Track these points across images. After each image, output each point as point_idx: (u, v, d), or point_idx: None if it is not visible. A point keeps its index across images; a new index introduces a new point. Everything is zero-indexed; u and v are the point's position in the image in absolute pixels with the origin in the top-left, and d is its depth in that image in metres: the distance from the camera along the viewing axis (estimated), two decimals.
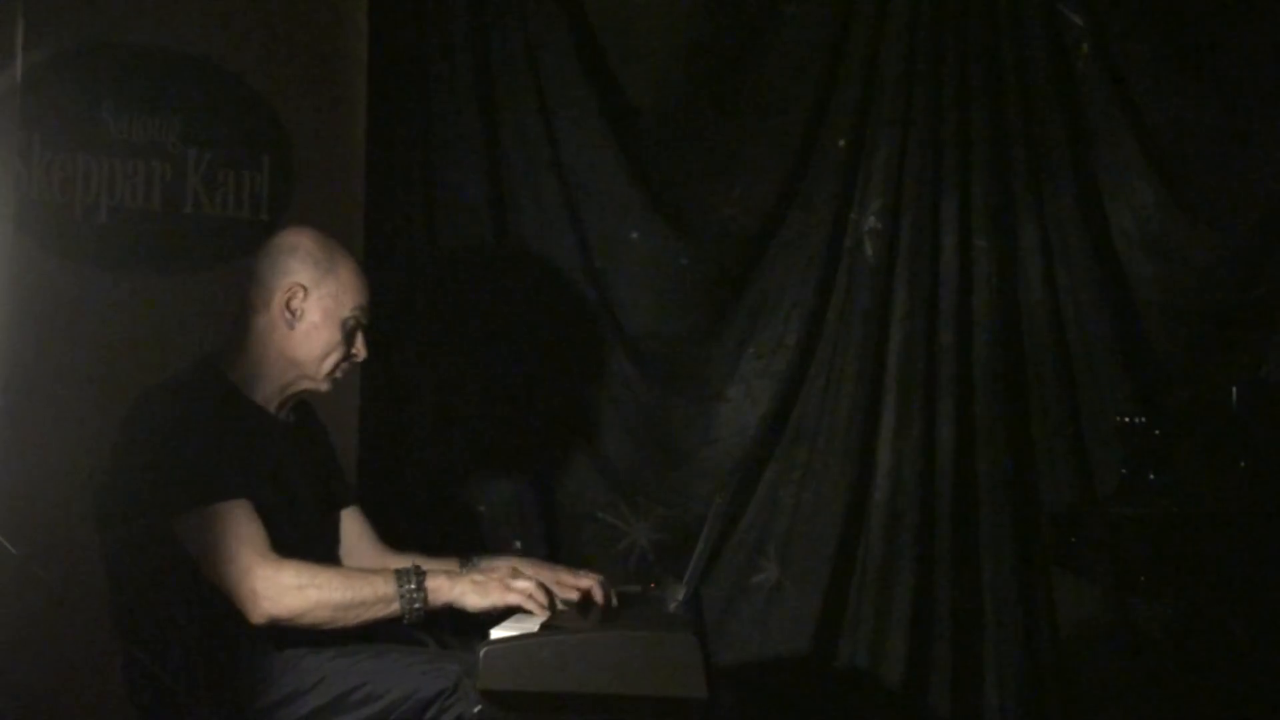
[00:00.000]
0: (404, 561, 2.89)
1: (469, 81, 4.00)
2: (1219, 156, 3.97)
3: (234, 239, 3.68)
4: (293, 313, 2.80)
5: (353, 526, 3.05)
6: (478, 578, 2.72)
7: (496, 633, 2.58)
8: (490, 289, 4.01)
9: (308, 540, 2.83)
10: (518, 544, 3.94)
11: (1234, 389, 3.42)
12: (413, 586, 2.64)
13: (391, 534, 3.13)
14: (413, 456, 3.96)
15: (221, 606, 2.64)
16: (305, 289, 2.80)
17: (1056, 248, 4.02)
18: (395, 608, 2.64)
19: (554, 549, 3.94)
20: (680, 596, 2.78)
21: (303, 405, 2.96)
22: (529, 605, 2.69)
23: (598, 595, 2.88)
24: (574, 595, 2.86)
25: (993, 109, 4.02)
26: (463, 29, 4.00)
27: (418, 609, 2.65)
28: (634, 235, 4.04)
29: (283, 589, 2.59)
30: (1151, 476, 3.51)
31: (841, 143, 4.04)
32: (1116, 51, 4.00)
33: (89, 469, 2.85)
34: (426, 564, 2.83)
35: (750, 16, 4.08)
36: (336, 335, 2.82)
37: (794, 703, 3.98)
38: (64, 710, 3.27)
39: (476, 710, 2.49)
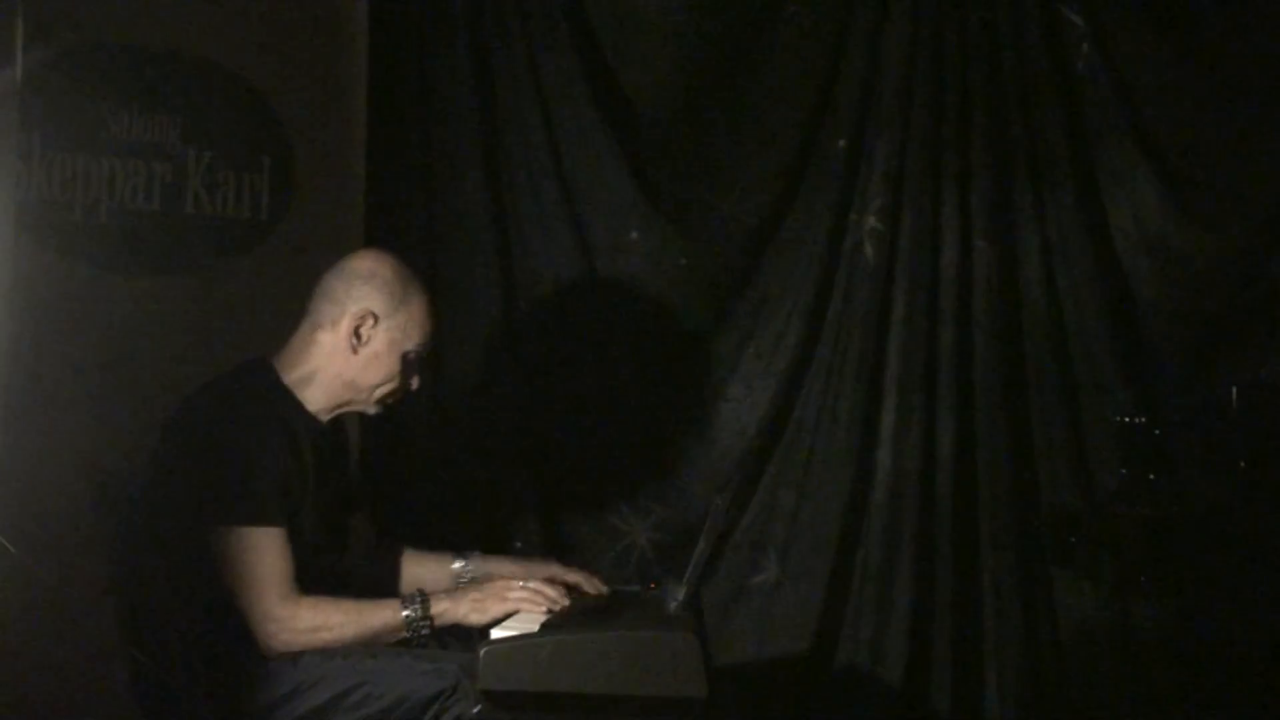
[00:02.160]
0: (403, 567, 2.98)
1: (469, 81, 4.00)
2: (1219, 156, 3.97)
3: (234, 239, 3.68)
4: (359, 338, 2.81)
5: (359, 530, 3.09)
6: (476, 595, 2.77)
7: (496, 633, 2.59)
8: (490, 289, 4.01)
9: (333, 542, 2.89)
10: (518, 544, 3.94)
11: (1234, 389, 3.42)
12: (418, 615, 2.71)
13: (392, 534, 3.14)
14: (413, 456, 3.96)
15: (224, 608, 2.65)
16: (376, 318, 2.81)
17: (1056, 248, 4.02)
18: (404, 633, 2.72)
19: (554, 549, 3.93)
20: (680, 596, 2.78)
21: (336, 419, 2.97)
22: (528, 605, 2.72)
23: (588, 585, 2.95)
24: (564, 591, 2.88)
25: (993, 109, 4.02)
26: (463, 29, 4.00)
27: (423, 632, 2.72)
28: (634, 235, 4.04)
29: (297, 634, 2.65)
30: (1151, 476, 3.51)
31: (841, 143, 4.04)
32: (1116, 51, 4.00)
33: (90, 470, 2.84)
34: (421, 563, 2.99)
35: (750, 16, 4.08)
36: (396, 367, 2.84)
37: (794, 703, 3.98)
38: (64, 710, 3.27)
39: (476, 710, 2.50)
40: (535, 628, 2.60)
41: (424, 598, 2.72)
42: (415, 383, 2.89)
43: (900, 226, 4.01)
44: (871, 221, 4.02)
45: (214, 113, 3.65)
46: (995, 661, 3.95)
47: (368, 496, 3.14)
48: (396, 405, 2.94)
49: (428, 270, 3.96)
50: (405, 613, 2.70)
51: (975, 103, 4.01)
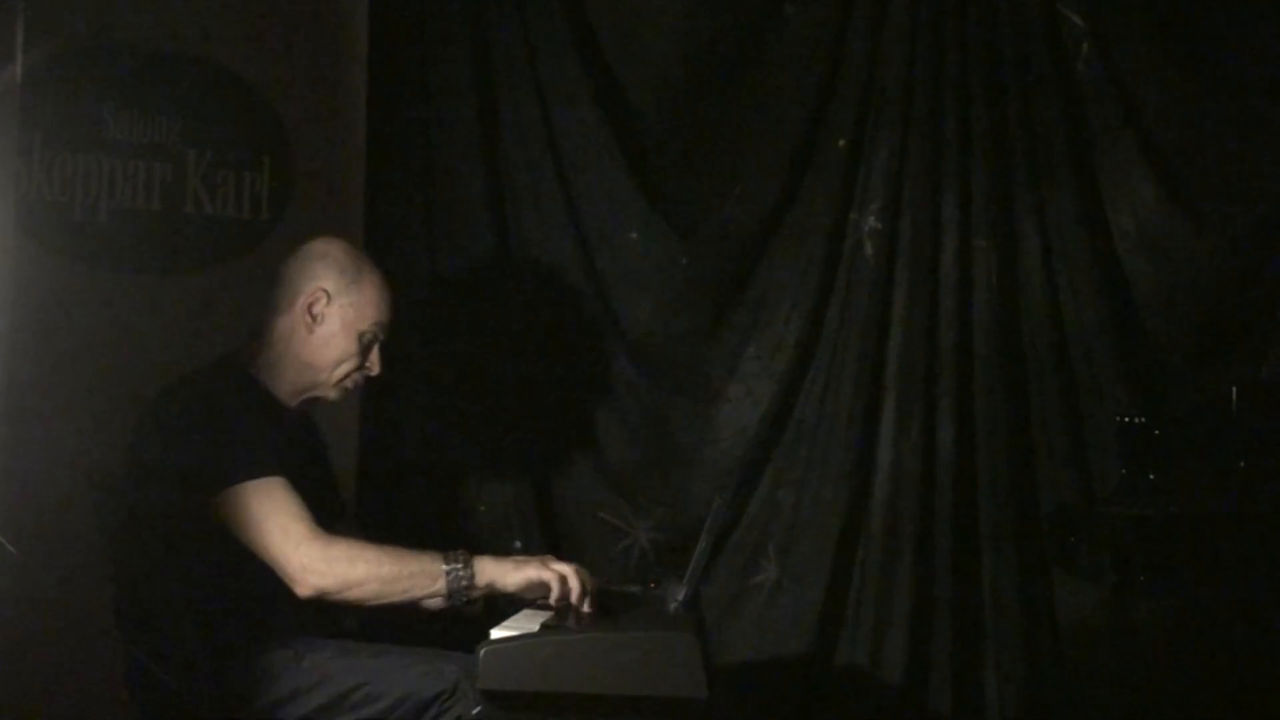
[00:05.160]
0: None
1: (469, 81, 4.00)
2: (1219, 157, 3.97)
3: (234, 239, 3.68)
4: (313, 317, 2.86)
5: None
6: (519, 558, 2.77)
7: (496, 633, 2.58)
8: (490, 289, 4.01)
9: None
10: (518, 544, 3.94)
11: (1234, 389, 3.42)
12: (460, 565, 2.67)
13: (392, 534, 3.12)
14: (413, 457, 3.97)
15: (224, 607, 2.65)
16: (328, 295, 2.86)
17: (1056, 248, 4.02)
18: (441, 585, 2.67)
19: (554, 549, 3.93)
20: (680, 596, 2.78)
21: (308, 417, 2.99)
22: (555, 587, 2.70)
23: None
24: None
25: (993, 109, 4.02)
26: (462, 28, 4.00)
27: (464, 586, 2.67)
28: (634, 235, 4.04)
29: (333, 561, 2.63)
30: (1151, 476, 3.50)
31: (841, 143, 4.04)
32: (1116, 51, 3.99)
33: (90, 470, 2.85)
34: None
35: (750, 16, 4.08)
36: (353, 346, 2.88)
37: (794, 703, 3.97)
38: (64, 710, 3.27)
39: (476, 710, 2.50)
40: (535, 628, 2.60)
41: (467, 554, 2.69)
42: (374, 366, 2.92)
43: (900, 226, 4.01)
44: (871, 221, 4.02)
45: (214, 113, 3.65)
46: (995, 661, 3.95)
47: (348, 505, 3.11)
48: (355, 390, 2.97)
49: (428, 270, 3.98)
50: (445, 562, 2.66)
51: (975, 103, 4.01)
